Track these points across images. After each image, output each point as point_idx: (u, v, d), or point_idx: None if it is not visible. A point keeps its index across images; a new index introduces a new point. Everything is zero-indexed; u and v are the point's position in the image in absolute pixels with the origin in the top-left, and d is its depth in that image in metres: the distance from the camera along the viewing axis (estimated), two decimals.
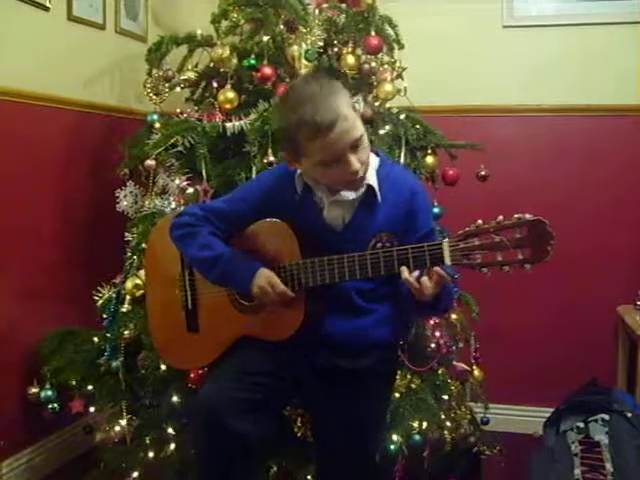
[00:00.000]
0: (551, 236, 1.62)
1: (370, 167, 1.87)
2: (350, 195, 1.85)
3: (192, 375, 2.30)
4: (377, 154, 1.96)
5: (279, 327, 1.90)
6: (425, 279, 1.72)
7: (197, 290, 2.06)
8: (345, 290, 1.87)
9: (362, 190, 1.85)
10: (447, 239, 1.71)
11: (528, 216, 1.64)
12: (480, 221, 1.68)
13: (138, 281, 2.43)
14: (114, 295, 2.56)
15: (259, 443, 1.88)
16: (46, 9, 2.83)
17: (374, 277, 1.79)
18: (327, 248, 1.84)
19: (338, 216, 1.89)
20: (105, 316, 2.57)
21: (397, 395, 2.39)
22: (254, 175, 2.31)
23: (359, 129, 1.77)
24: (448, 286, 1.82)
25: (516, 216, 1.65)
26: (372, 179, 1.86)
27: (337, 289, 1.85)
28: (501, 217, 1.66)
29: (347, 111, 1.74)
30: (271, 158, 2.30)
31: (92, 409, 2.63)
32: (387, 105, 2.61)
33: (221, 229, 1.94)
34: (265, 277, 1.85)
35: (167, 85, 2.67)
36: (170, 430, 2.43)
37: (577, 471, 2.55)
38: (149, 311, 2.24)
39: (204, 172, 2.40)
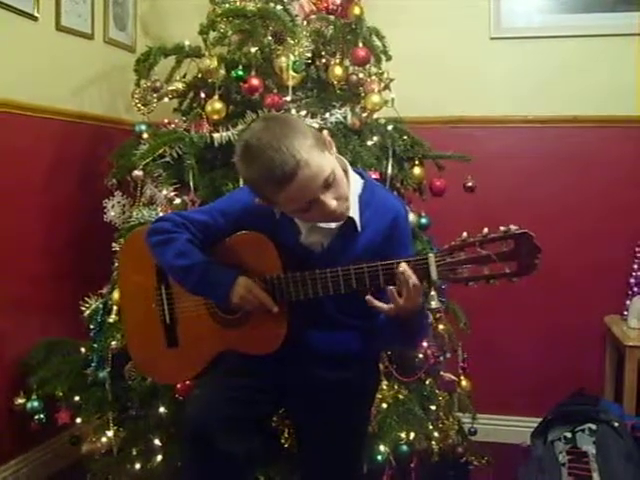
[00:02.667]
0: (538, 249, 1.61)
1: (352, 193, 1.82)
2: (330, 224, 1.82)
3: (179, 386, 2.30)
4: (362, 176, 1.90)
5: (262, 341, 1.87)
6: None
7: (174, 304, 2.01)
8: (326, 304, 1.83)
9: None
10: (432, 253, 1.69)
11: (514, 228, 1.62)
12: (465, 234, 1.66)
13: None
14: (101, 305, 2.56)
15: (245, 458, 1.87)
16: (34, 19, 2.83)
17: (359, 291, 1.75)
18: (305, 269, 1.79)
19: (316, 241, 1.85)
20: (92, 327, 2.57)
21: (385, 405, 2.40)
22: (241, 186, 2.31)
23: (326, 168, 1.68)
24: (424, 318, 1.83)
25: (502, 229, 1.63)
26: (354, 209, 1.81)
27: (318, 303, 1.82)
28: (487, 230, 1.64)
29: (308, 153, 1.64)
30: None
31: (79, 420, 2.62)
32: (375, 116, 2.61)
33: (198, 238, 1.89)
34: (244, 285, 1.82)
35: (155, 95, 2.67)
36: (157, 441, 2.42)
37: None
38: (125, 325, 2.20)
39: (192, 183, 2.40)
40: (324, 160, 1.69)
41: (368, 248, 1.82)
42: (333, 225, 1.82)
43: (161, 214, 2.42)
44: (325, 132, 1.81)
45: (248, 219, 1.87)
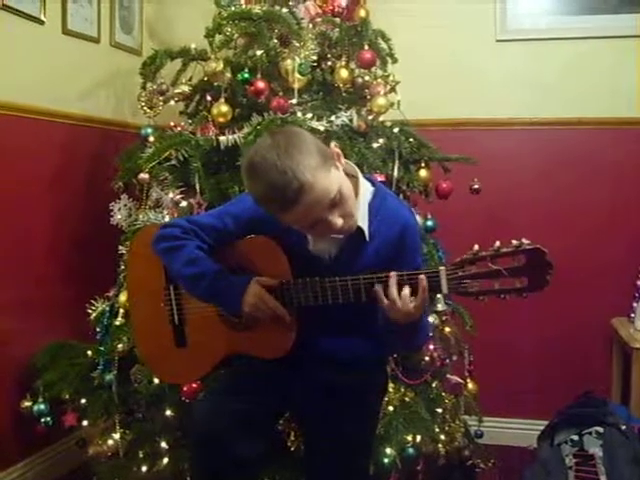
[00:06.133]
0: (550, 265, 1.61)
1: (362, 201, 1.80)
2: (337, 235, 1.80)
3: (185, 389, 2.30)
4: (373, 183, 1.88)
5: (271, 346, 1.87)
6: (405, 293, 1.69)
7: (183, 304, 2.00)
8: (333, 309, 1.80)
9: None
10: (444, 267, 1.68)
11: (526, 242, 1.62)
12: (477, 247, 1.65)
13: None
14: (107, 308, 2.56)
15: (254, 461, 1.88)
16: (41, 23, 2.84)
17: (368, 301, 1.74)
18: (313, 275, 1.78)
19: (324, 249, 1.84)
20: (98, 329, 2.57)
21: (391, 408, 2.39)
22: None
23: (332, 189, 1.64)
24: (424, 321, 1.81)
25: (514, 243, 1.62)
26: (362, 218, 1.79)
27: (325, 307, 1.79)
28: (498, 243, 1.63)
29: (313, 176, 1.59)
30: None
31: (85, 423, 2.62)
32: (381, 119, 2.61)
33: (207, 243, 1.87)
34: (256, 294, 1.80)
35: (161, 98, 2.67)
36: (163, 444, 2.42)
37: None
38: (133, 324, 2.20)
39: (198, 185, 2.40)
40: (330, 180, 1.65)
41: (377, 257, 1.81)
42: (340, 235, 1.80)
43: (167, 217, 2.43)
44: (333, 144, 1.79)
45: (257, 224, 1.85)
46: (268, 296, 1.81)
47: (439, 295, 2.50)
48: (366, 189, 1.84)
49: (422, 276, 1.68)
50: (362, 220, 1.79)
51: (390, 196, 1.94)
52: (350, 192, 1.73)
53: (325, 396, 1.88)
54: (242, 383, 1.95)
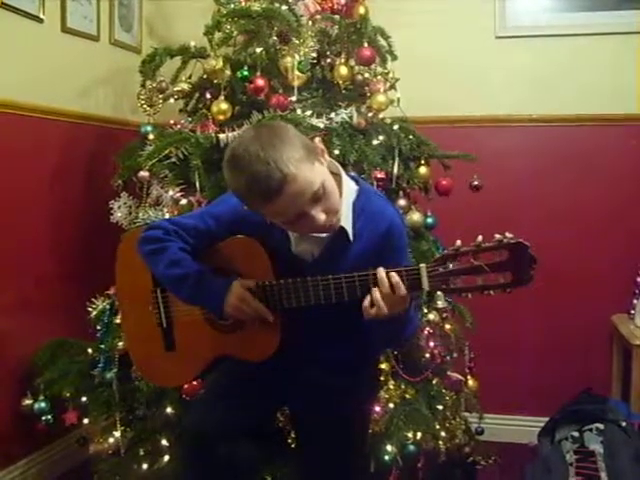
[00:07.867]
0: (533, 260, 1.57)
1: (345, 201, 1.76)
2: (320, 234, 1.77)
3: (186, 386, 2.30)
4: (357, 182, 1.85)
5: (256, 349, 1.84)
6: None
7: (171, 307, 1.97)
8: (318, 310, 1.75)
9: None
10: (424, 264, 1.64)
11: (509, 236, 1.58)
12: (459, 242, 1.61)
13: None
14: (108, 306, 2.56)
15: (246, 464, 1.87)
16: (40, 21, 2.84)
17: (350, 300, 1.71)
18: (295, 277, 1.75)
19: (306, 250, 1.81)
20: (99, 327, 2.57)
21: (391, 405, 2.40)
22: None
23: (315, 182, 1.62)
24: (411, 313, 1.78)
25: (497, 238, 1.58)
26: (346, 219, 1.76)
27: (310, 308, 1.75)
28: (481, 238, 1.59)
29: (296, 168, 1.58)
30: None
31: (86, 421, 2.63)
32: (380, 116, 2.61)
33: (191, 245, 1.85)
34: (238, 295, 1.77)
35: (161, 96, 2.68)
36: (164, 442, 2.43)
37: None
38: (124, 327, 2.18)
39: (197, 183, 2.40)
40: (313, 173, 1.63)
41: (360, 258, 1.76)
42: (323, 234, 1.77)
43: (167, 215, 2.42)
44: (317, 139, 1.77)
45: (240, 224, 1.83)
46: (250, 297, 1.78)
47: (438, 292, 2.51)
48: (350, 188, 1.81)
49: (393, 273, 1.65)
50: (345, 220, 1.76)
51: (375, 195, 1.90)
52: (334, 188, 1.71)
53: (313, 397, 1.86)
54: (230, 387, 1.93)
